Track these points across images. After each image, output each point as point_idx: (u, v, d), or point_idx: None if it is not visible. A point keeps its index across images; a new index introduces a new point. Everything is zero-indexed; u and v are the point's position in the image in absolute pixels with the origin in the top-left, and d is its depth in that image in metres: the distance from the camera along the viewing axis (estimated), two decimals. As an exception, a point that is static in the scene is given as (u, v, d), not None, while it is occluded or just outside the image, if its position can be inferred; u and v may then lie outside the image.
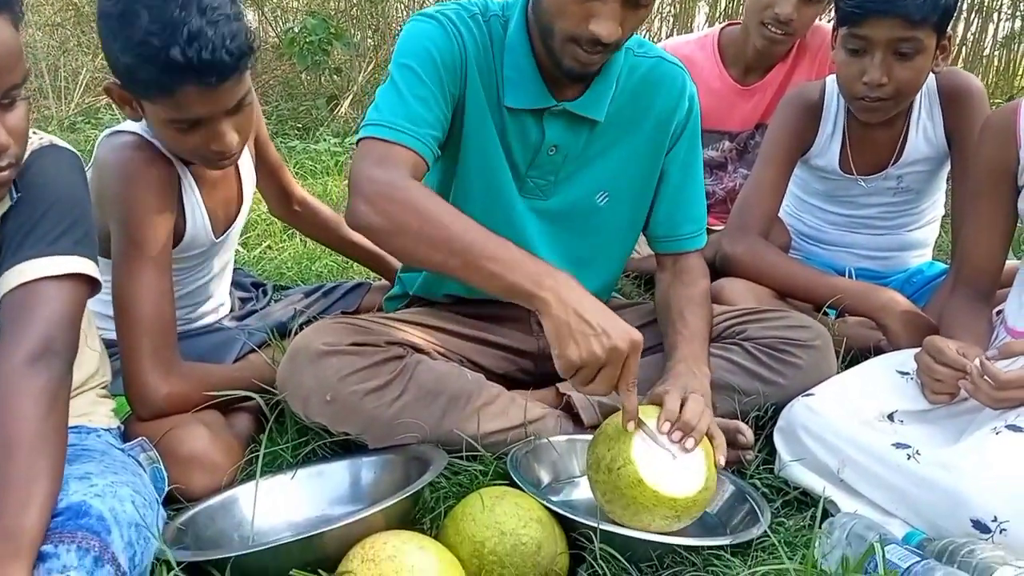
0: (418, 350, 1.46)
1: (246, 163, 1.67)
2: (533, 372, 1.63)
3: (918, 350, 1.44)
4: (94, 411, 1.29)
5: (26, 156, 1.13)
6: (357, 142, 1.36)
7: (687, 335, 1.48)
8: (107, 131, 1.50)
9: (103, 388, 1.35)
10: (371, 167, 1.29)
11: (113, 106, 1.43)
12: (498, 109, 1.46)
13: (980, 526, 1.15)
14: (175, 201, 1.48)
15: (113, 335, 1.41)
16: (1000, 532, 1.14)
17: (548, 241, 1.55)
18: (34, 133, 1.18)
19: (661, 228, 1.61)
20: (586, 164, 1.53)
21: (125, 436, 1.34)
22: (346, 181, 3.70)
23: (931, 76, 1.84)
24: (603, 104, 1.47)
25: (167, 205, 1.44)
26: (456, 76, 1.41)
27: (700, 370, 1.41)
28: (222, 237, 1.63)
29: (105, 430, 1.29)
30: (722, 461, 1.26)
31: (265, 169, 1.82)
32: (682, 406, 1.24)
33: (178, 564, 1.06)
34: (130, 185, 1.40)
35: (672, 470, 1.19)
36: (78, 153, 1.23)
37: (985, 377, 1.30)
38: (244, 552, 1.10)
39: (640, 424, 1.21)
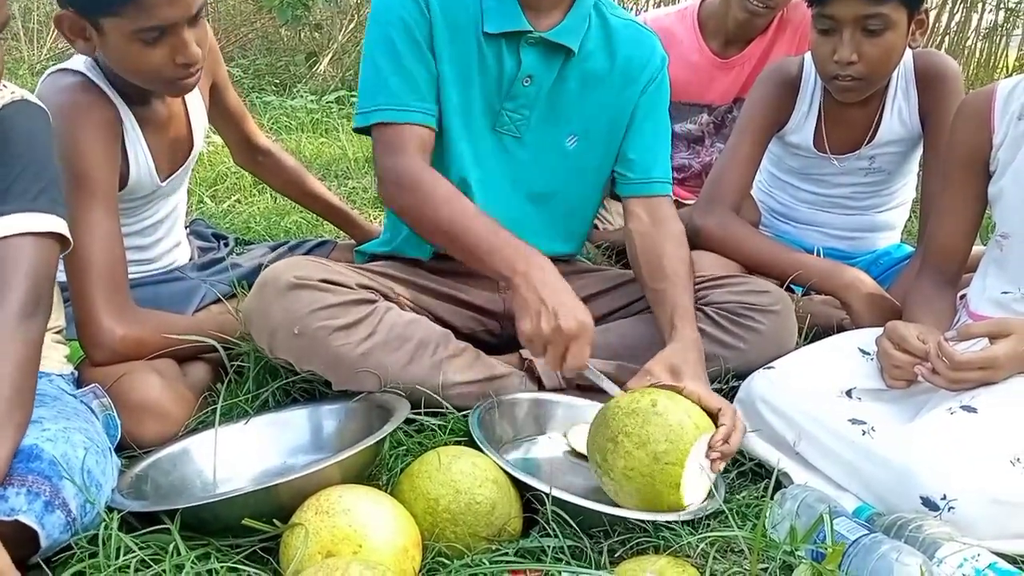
0: (387, 299, 1.46)
1: (196, 106, 1.64)
2: (499, 334, 1.64)
3: (880, 332, 1.45)
4: (47, 356, 1.26)
5: None
6: (368, 128, 1.48)
7: (690, 299, 1.48)
8: (51, 69, 1.47)
9: (57, 333, 1.34)
10: (386, 156, 1.44)
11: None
12: (476, 41, 1.49)
13: (929, 503, 1.17)
14: (119, 143, 1.46)
15: (64, 276, 1.39)
16: (948, 510, 1.15)
17: (517, 180, 1.57)
18: (4, 87, 1.17)
19: (635, 171, 1.61)
20: (559, 105, 1.55)
21: (77, 382, 1.33)
22: (321, 139, 3.71)
23: (908, 57, 1.84)
24: (578, 34, 1.52)
25: (112, 146, 1.42)
26: (424, 22, 1.46)
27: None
28: (168, 180, 1.60)
29: (58, 375, 1.28)
30: (719, 468, 1.27)
31: (226, 115, 1.79)
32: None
33: (120, 512, 1.06)
34: (74, 126, 1.38)
35: (694, 479, 1.20)
36: (47, 109, 1.22)
37: (942, 358, 1.31)
38: (195, 503, 1.10)
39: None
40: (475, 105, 1.52)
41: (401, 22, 1.45)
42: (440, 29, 1.47)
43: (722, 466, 1.24)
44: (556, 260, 1.64)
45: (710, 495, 1.25)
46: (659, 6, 5.27)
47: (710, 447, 1.22)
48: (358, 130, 1.50)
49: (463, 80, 1.50)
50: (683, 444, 1.17)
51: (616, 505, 1.21)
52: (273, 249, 1.94)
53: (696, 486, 1.20)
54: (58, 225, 1.14)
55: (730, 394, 1.49)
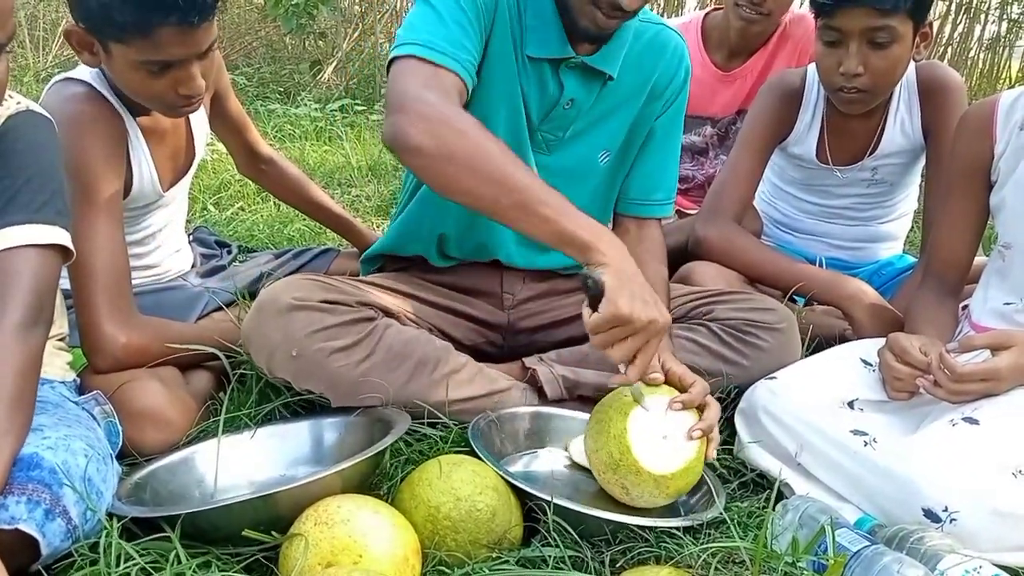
0: (388, 314, 1.45)
1: (198, 115, 1.65)
2: (501, 345, 1.63)
3: (882, 343, 1.45)
4: (49, 363, 1.27)
5: (3, 118, 1.14)
6: (391, 61, 1.29)
7: (665, 299, 1.50)
8: (56, 78, 1.48)
9: (60, 340, 1.34)
10: (420, 87, 1.24)
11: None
12: (519, 59, 1.44)
13: (931, 515, 1.17)
14: (124, 153, 1.47)
15: (68, 284, 1.39)
16: (950, 522, 1.15)
17: None
18: (10, 97, 1.18)
19: (636, 191, 1.62)
20: (593, 122, 1.53)
21: (80, 389, 1.33)
22: (325, 147, 3.71)
23: (911, 69, 1.85)
24: (618, 60, 1.48)
25: (117, 156, 1.43)
26: (489, 16, 1.38)
27: None
28: (170, 190, 1.60)
29: (60, 382, 1.28)
30: (712, 454, 1.28)
31: (227, 123, 1.79)
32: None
33: (120, 519, 1.06)
34: (80, 136, 1.38)
35: (653, 439, 1.21)
36: (53, 119, 1.23)
37: (943, 369, 1.31)
38: (195, 510, 1.09)
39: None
40: (515, 124, 1.47)
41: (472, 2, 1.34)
42: (498, 38, 1.40)
43: (698, 433, 1.23)
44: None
45: (708, 499, 1.25)
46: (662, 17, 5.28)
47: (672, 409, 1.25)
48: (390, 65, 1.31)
49: (506, 97, 1.45)
50: (643, 392, 1.24)
51: (611, 502, 1.24)
52: (276, 257, 1.94)
53: (659, 454, 1.21)
54: (61, 237, 1.14)
55: (731, 405, 1.49)
